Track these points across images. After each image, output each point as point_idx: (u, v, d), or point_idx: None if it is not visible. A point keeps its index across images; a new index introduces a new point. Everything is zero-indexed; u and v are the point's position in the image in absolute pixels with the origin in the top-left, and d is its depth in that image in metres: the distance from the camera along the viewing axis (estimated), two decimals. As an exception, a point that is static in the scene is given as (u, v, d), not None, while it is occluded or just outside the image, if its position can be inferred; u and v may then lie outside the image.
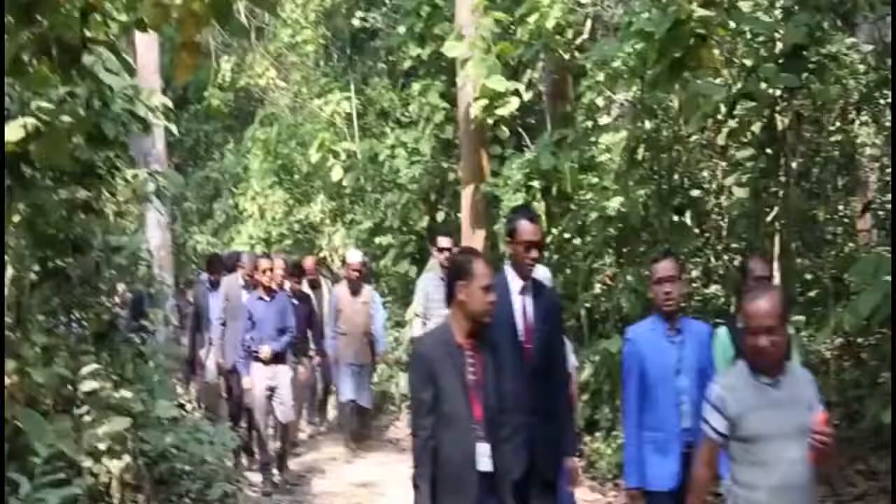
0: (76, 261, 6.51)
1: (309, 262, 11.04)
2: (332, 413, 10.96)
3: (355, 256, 9.87)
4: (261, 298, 8.28)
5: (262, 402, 8.17)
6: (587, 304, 8.95)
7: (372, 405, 10.08)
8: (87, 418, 5.50)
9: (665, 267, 4.64)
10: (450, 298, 3.96)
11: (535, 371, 4.60)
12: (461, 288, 3.89)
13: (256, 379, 8.17)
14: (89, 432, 5.36)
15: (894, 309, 3.56)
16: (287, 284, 9.08)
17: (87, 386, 5.64)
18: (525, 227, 4.69)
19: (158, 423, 6.27)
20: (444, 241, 8.53)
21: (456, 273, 3.95)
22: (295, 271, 9.98)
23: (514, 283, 4.70)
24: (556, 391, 4.71)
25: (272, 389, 8.22)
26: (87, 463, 5.23)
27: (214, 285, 9.65)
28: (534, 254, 4.67)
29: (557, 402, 4.72)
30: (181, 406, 7.43)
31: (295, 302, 9.30)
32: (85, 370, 5.70)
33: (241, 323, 8.32)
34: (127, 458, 5.46)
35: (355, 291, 9.62)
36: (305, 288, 10.24)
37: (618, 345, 7.90)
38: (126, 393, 5.93)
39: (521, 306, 4.67)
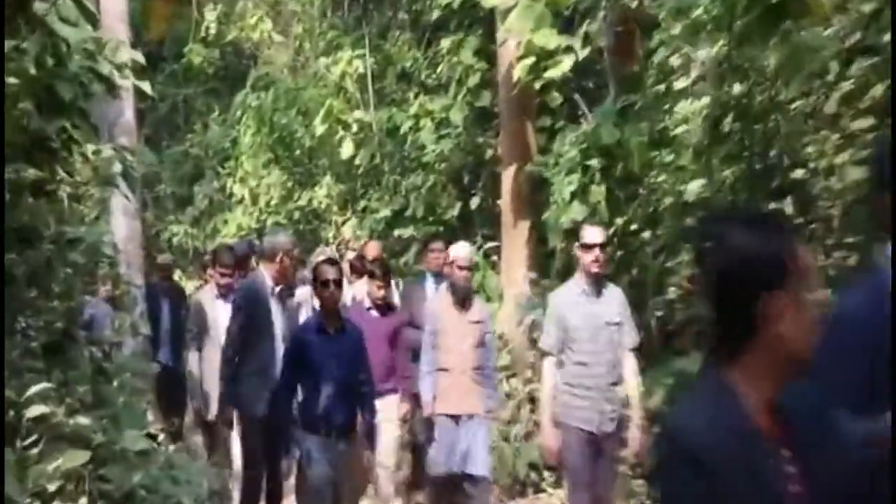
0: (22, 256, 6.47)
1: (373, 249, 9.90)
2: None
3: (463, 250, 8.09)
4: (322, 331, 6.88)
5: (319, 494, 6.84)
6: (658, 313, 8.88)
7: (490, 475, 8.13)
8: (33, 451, 5.46)
9: None
10: (741, 331, 2.34)
11: None
12: (775, 303, 2.28)
13: (314, 462, 6.77)
14: (36, 469, 5.32)
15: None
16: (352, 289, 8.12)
17: (35, 411, 5.60)
18: None
19: (123, 457, 6.22)
20: (594, 235, 6.81)
21: (757, 274, 2.28)
22: (360, 265, 8.78)
23: None
24: None
25: (334, 480, 6.89)
26: (34, 507, 5.20)
27: (226, 291, 8.72)
28: None
29: None
30: (153, 436, 7.39)
31: (374, 314, 8.24)
32: (32, 391, 5.67)
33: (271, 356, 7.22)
34: (83, 501, 5.42)
35: (464, 304, 7.90)
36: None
37: (696, 364, 7.80)
38: (83, 420, 5.89)
39: None
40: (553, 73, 10.03)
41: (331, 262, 7.11)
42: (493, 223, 12.16)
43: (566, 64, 9.98)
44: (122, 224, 12.08)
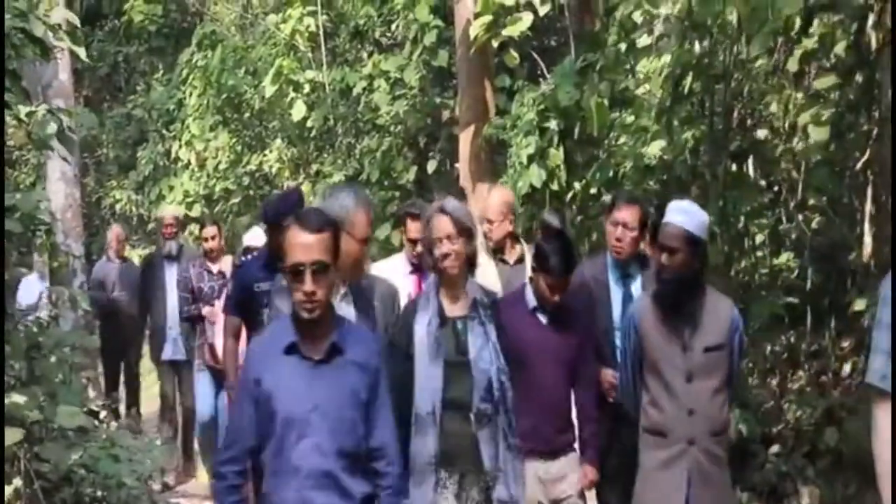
0: (-50, 225, 6.44)
1: (500, 198, 6.75)
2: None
3: (672, 216, 4.95)
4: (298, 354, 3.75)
5: None
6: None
7: None
8: (-35, 430, 5.46)
9: None
10: None
11: None
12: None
13: None
14: (-32, 448, 5.32)
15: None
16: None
17: (-34, 388, 5.60)
18: None
19: (61, 435, 6.23)
20: None
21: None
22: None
23: None
24: None
25: None
26: (-35, 488, 5.21)
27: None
28: None
29: None
30: (93, 413, 7.40)
31: (542, 319, 5.38)
32: (-37, 368, 5.66)
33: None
34: (17, 482, 5.43)
35: (677, 313, 4.96)
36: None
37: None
38: (18, 397, 5.88)
39: None
40: (511, 31, 10.01)
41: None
42: (450, 187, 12.14)
43: (525, 21, 9.97)
44: (59, 190, 11.99)
